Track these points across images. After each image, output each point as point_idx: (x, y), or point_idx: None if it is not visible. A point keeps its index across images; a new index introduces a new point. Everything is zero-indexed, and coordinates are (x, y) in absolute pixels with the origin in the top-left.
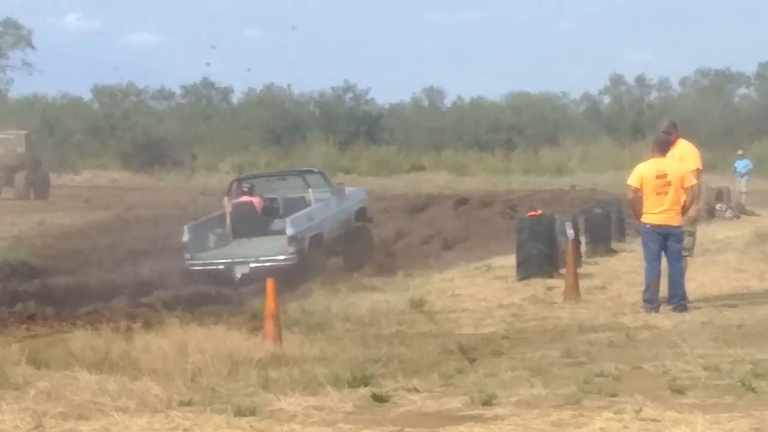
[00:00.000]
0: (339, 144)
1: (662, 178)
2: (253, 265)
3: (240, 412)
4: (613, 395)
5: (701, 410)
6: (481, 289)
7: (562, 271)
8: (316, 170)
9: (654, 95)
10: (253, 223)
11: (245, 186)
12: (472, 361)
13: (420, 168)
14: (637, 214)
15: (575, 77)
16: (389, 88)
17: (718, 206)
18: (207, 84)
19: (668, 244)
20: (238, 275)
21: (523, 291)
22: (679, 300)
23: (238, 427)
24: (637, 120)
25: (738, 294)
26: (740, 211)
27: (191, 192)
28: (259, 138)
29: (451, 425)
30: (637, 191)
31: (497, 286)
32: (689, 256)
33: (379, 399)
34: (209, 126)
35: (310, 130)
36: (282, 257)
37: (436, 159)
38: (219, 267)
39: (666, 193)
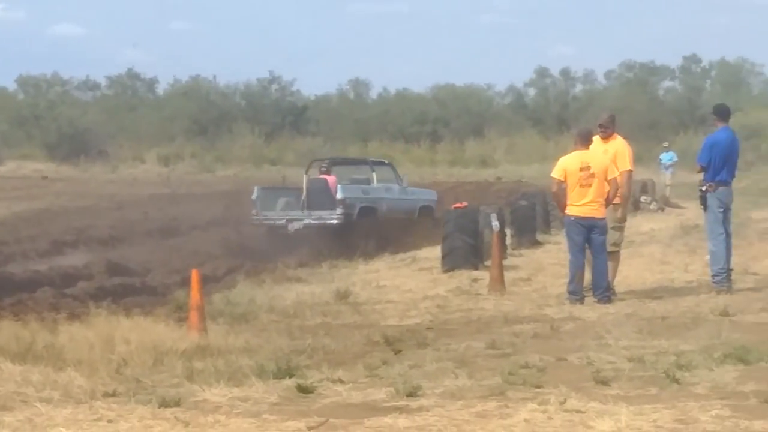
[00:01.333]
0: (264, 135)
1: (586, 170)
2: (306, 221)
3: (165, 403)
4: (538, 386)
5: (625, 401)
6: (406, 281)
7: (488, 262)
8: (386, 162)
9: (579, 88)
10: (325, 198)
11: (323, 166)
12: (397, 352)
13: None
14: (562, 206)
15: (501, 70)
16: (315, 80)
17: (642, 198)
18: (132, 75)
19: (592, 236)
20: (292, 230)
21: (448, 282)
22: (603, 292)
23: (162, 418)
24: (562, 112)
25: (662, 286)
26: (665, 204)
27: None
28: (185, 129)
29: (375, 416)
30: (561, 184)
31: (422, 277)
32: (618, 250)
33: (304, 390)
34: (134, 117)
35: (236, 122)
36: (330, 217)
37: (362, 150)
38: (276, 222)
39: (590, 186)
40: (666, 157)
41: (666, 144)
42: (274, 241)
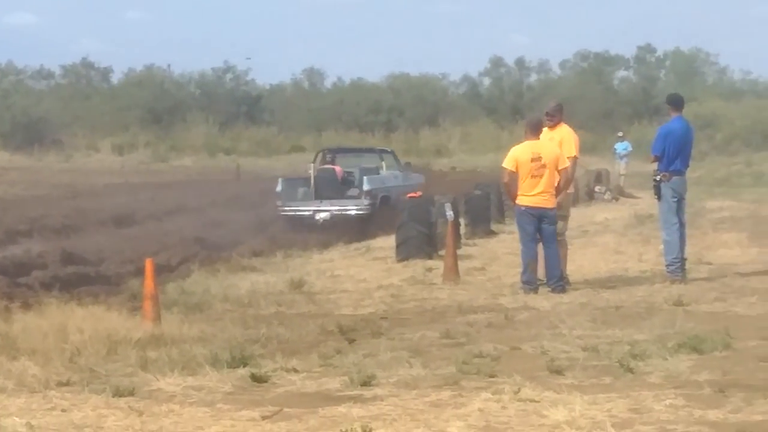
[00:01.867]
0: (219, 124)
1: (537, 161)
2: (334, 211)
3: (118, 393)
4: (492, 376)
5: (579, 391)
6: (360, 270)
7: (442, 252)
8: (388, 150)
9: (534, 77)
10: (333, 187)
11: (329, 156)
12: (352, 341)
13: (300, 149)
14: (512, 196)
15: (455, 59)
16: (269, 69)
17: (597, 188)
18: (87, 64)
19: (543, 226)
20: (320, 220)
21: (402, 272)
22: (556, 281)
23: (116, 408)
24: (517, 102)
25: (616, 275)
26: (619, 194)
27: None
28: (139, 118)
29: (329, 405)
30: (513, 174)
31: (377, 267)
32: (561, 239)
33: (258, 379)
34: (89, 106)
35: (190, 111)
36: (358, 208)
37: (317, 140)
38: (305, 213)
39: (541, 176)
40: (620, 147)
41: (620, 134)
42: (303, 230)
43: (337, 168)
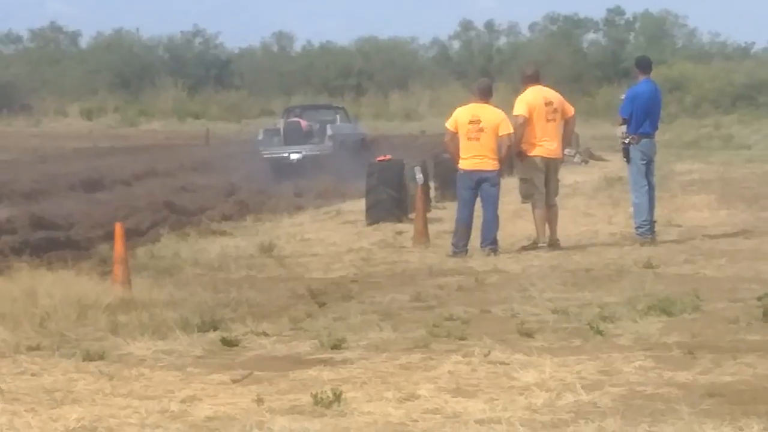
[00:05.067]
0: (188, 89)
1: (475, 123)
2: (305, 152)
3: (89, 357)
4: (462, 339)
5: (549, 353)
6: (330, 234)
7: (412, 215)
8: (341, 106)
9: (503, 41)
10: (299, 136)
11: (296, 111)
12: (322, 305)
13: (270, 113)
14: (455, 157)
15: (425, 23)
16: (239, 33)
17: (566, 151)
18: (55, 28)
19: (483, 187)
20: (294, 161)
21: (372, 235)
22: (490, 243)
23: (86, 372)
24: (487, 65)
25: (586, 238)
26: (589, 156)
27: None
28: (108, 82)
29: (300, 369)
30: (452, 134)
31: (347, 230)
32: (528, 202)
33: (229, 343)
34: (57, 70)
35: (159, 75)
36: (322, 150)
37: (286, 103)
38: (282, 155)
39: (478, 139)
40: None
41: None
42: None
43: (302, 121)
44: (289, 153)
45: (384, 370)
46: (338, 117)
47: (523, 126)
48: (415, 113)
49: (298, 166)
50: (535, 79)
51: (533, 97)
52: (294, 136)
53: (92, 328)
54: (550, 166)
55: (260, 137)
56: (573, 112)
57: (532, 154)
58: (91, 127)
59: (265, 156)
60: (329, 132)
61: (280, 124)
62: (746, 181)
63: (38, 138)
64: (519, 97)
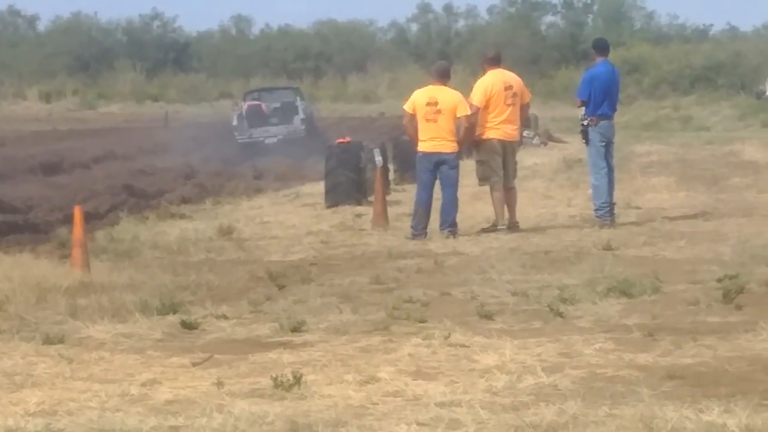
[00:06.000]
0: (147, 72)
1: (432, 105)
2: (279, 137)
3: (48, 340)
4: (422, 321)
5: (509, 335)
6: (289, 217)
7: (371, 198)
8: (296, 87)
9: (461, 23)
10: (261, 119)
11: (255, 95)
12: (281, 287)
13: (229, 95)
14: (413, 139)
15: (383, 5)
16: (197, 16)
17: (525, 133)
18: (13, 12)
19: (441, 169)
20: (269, 143)
21: (331, 218)
22: (449, 226)
23: (46, 355)
24: (445, 48)
25: (545, 220)
26: (548, 138)
27: None
28: (67, 66)
29: (260, 352)
30: (411, 117)
31: (306, 213)
32: (486, 185)
33: (188, 326)
34: (15, 54)
35: (118, 58)
36: (297, 131)
37: (245, 86)
38: (258, 139)
39: (435, 121)
40: None
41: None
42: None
43: (263, 104)
44: (265, 138)
45: (344, 352)
46: (297, 98)
47: (476, 115)
48: (374, 95)
49: (273, 149)
50: (496, 62)
51: (493, 81)
52: (257, 120)
53: (52, 311)
54: (508, 149)
55: (234, 123)
56: (529, 99)
57: (490, 136)
58: (50, 110)
59: (239, 141)
60: (302, 114)
61: (241, 108)
62: (705, 162)
63: None
64: (478, 80)
